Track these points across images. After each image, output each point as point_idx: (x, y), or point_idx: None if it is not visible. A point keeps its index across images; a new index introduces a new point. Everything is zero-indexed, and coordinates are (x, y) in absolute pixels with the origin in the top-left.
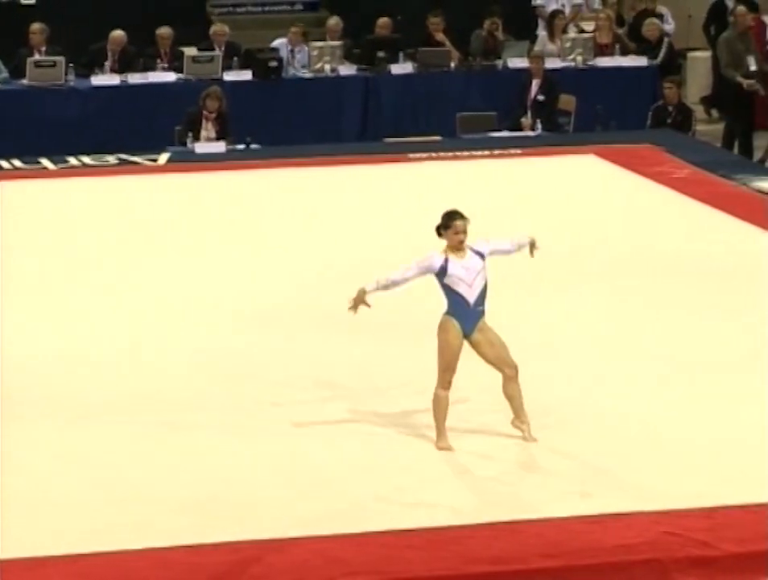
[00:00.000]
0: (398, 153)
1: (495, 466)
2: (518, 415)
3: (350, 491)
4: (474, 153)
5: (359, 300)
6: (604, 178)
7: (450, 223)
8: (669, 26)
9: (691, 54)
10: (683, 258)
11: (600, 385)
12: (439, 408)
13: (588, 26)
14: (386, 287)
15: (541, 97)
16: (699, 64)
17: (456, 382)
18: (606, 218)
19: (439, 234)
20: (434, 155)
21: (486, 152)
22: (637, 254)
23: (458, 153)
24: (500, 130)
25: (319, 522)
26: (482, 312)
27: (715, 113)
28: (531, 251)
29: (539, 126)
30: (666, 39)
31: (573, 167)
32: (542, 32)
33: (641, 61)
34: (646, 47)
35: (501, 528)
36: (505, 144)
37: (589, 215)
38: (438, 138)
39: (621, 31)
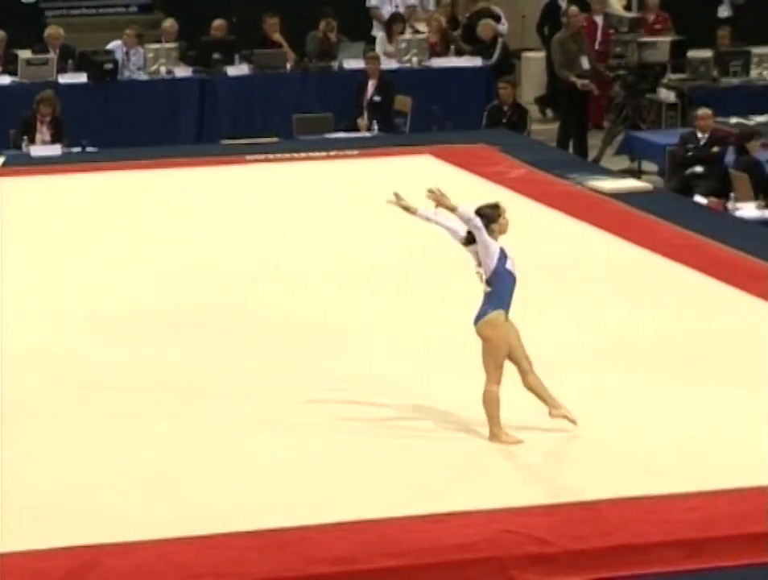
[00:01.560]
0: (235, 155)
1: (341, 467)
2: (552, 404)
3: (196, 495)
4: (311, 154)
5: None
6: (441, 178)
7: (499, 211)
8: (503, 27)
9: (525, 54)
10: (519, 258)
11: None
12: (494, 404)
13: (423, 27)
14: (440, 217)
15: (377, 98)
16: (534, 64)
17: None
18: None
19: (489, 226)
20: (271, 156)
21: (323, 153)
22: None
23: (295, 154)
24: (337, 132)
25: (162, 525)
26: None
27: (549, 112)
28: None
29: (376, 126)
30: (500, 40)
31: (410, 168)
32: (380, 33)
33: (475, 62)
34: (480, 47)
35: (345, 529)
36: (341, 145)
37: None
38: (275, 139)
39: (455, 33)
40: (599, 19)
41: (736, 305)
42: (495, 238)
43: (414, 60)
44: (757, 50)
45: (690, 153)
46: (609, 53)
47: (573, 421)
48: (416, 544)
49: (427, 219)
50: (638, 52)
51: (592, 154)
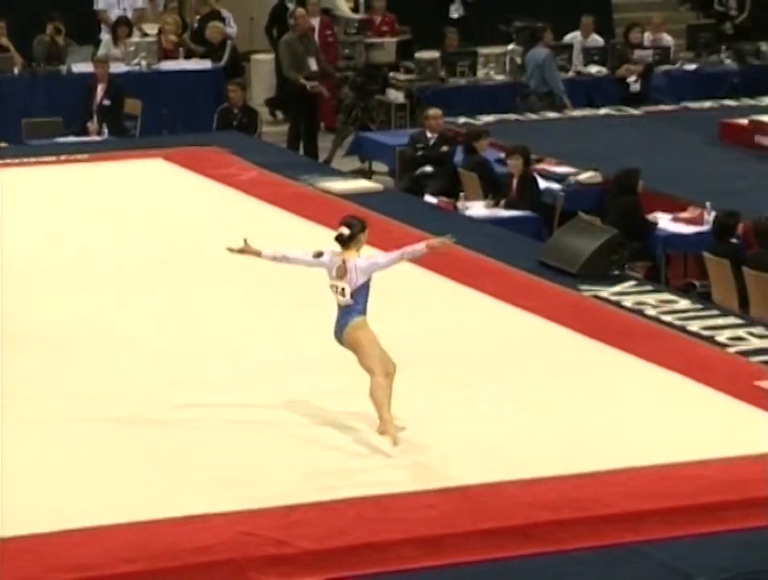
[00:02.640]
0: None
1: (79, 473)
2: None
3: None
4: (41, 159)
5: (247, 250)
6: (173, 181)
7: (365, 227)
8: (232, 29)
9: (254, 56)
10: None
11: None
12: (381, 392)
13: (152, 29)
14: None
15: (107, 102)
16: (263, 66)
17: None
18: (179, 223)
19: (353, 238)
20: (0, 162)
21: (53, 158)
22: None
23: (24, 160)
24: (66, 136)
25: None
26: None
27: (280, 114)
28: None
29: (106, 130)
30: (229, 42)
31: (142, 172)
32: (105, 36)
33: (205, 64)
34: (209, 50)
35: (84, 535)
36: (72, 150)
37: (163, 220)
38: (4, 144)
39: (185, 35)
40: (315, 22)
41: (469, 304)
42: (359, 248)
43: (144, 63)
44: (483, 50)
45: (419, 153)
46: (334, 54)
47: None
48: (156, 549)
49: (274, 259)
50: (366, 53)
51: (322, 155)
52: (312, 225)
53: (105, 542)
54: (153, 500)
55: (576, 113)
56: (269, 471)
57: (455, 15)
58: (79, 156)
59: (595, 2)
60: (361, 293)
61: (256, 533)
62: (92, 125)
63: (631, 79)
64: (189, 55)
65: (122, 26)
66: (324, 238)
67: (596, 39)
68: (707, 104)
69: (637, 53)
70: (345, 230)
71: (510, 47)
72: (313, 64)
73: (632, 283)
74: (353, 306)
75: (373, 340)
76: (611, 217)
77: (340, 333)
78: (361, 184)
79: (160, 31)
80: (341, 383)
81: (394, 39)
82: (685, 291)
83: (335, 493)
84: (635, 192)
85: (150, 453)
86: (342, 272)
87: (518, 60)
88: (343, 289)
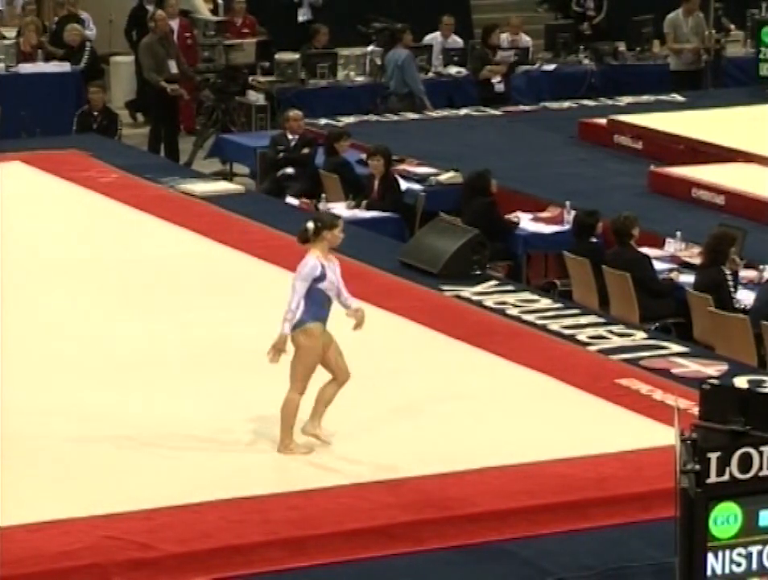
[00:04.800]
0: None
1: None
2: (313, 422)
3: None
4: None
5: (280, 347)
6: (33, 186)
7: (336, 222)
8: (91, 32)
9: (113, 59)
10: (113, 263)
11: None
12: (292, 412)
13: (10, 32)
14: (293, 317)
15: None
16: (123, 69)
17: None
18: (42, 227)
19: (318, 234)
20: None
21: None
22: (94, 260)
23: None
24: None
25: None
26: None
27: (140, 117)
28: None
29: None
30: (88, 44)
31: (0, 175)
32: None
33: (64, 67)
34: (68, 52)
35: None
36: None
37: (25, 225)
38: None
39: (43, 38)
40: (174, 24)
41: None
42: (324, 247)
43: (2, 65)
44: (343, 51)
45: (280, 155)
46: (193, 57)
47: (326, 441)
48: (17, 554)
49: (293, 317)
50: (226, 55)
51: (183, 157)
52: (174, 228)
53: None
54: (12, 505)
55: (436, 113)
56: (130, 475)
57: (303, 18)
58: None
59: (453, 3)
60: (310, 296)
61: (119, 537)
62: None
63: (496, 80)
64: (48, 58)
65: None
66: (185, 239)
67: (456, 40)
68: (566, 104)
69: (500, 54)
70: (310, 225)
71: (370, 48)
72: (173, 67)
73: (493, 282)
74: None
75: (313, 356)
76: (467, 218)
77: (292, 330)
78: (223, 185)
79: (19, 34)
80: (204, 386)
81: (254, 41)
82: (546, 290)
83: (198, 496)
84: (489, 193)
85: (8, 458)
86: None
87: (378, 61)
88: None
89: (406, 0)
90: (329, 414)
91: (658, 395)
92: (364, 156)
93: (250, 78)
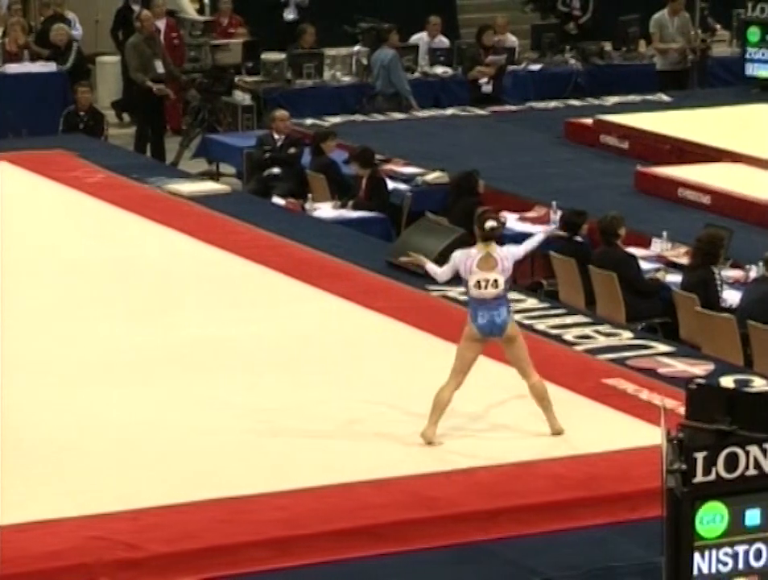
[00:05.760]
0: None
1: None
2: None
3: None
4: None
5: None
6: (20, 186)
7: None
8: (77, 32)
9: (100, 59)
10: (100, 263)
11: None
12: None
13: None
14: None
15: None
16: (109, 69)
17: None
18: (28, 227)
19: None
20: None
21: None
22: (80, 260)
23: None
24: None
25: None
26: None
27: (126, 117)
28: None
29: None
30: (74, 44)
31: None
32: None
33: (50, 67)
34: (55, 52)
35: None
36: None
37: (12, 225)
38: None
39: (29, 38)
40: (161, 24)
41: (318, 305)
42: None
43: None
44: (330, 51)
45: (267, 155)
46: (180, 56)
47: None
48: (5, 555)
49: (435, 274)
50: (212, 55)
51: (170, 157)
52: (161, 228)
53: None
54: None
55: (423, 113)
56: (116, 475)
57: (289, 18)
58: None
59: (440, 3)
60: (507, 282)
61: (106, 537)
62: None
63: (483, 80)
64: (34, 58)
65: None
66: (172, 239)
67: (443, 40)
68: (552, 104)
69: (490, 57)
70: (495, 223)
71: (356, 48)
72: (160, 67)
73: None
74: (504, 296)
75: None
76: (454, 218)
77: (503, 327)
78: (209, 186)
79: (5, 34)
80: (189, 386)
81: (240, 41)
82: (532, 290)
83: (184, 496)
84: (476, 193)
85: None
86: (492, 264)
87: (365, 61)
88: (495, 280)
89: (392, 0)
90: (316, 413)
91: (645, 394)
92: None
93: (236, 78)
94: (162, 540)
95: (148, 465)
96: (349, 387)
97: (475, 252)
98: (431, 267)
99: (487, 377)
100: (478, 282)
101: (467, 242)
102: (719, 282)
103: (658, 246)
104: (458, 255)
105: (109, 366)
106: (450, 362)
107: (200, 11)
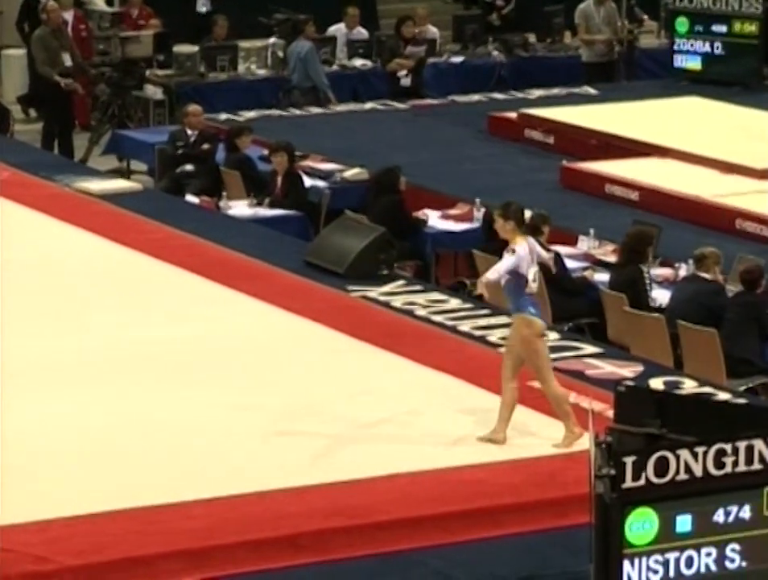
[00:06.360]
0: None
1: None
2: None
3: None
4: None
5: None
6: None
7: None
8: None
9: (5, 52)
10: (15, 265)
11: None
12: (564, 399)
13: None
14: None
15: None
16: (15, 62)
17: None
18: None
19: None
20: None
21: None
22: None
23: None
24: None
25: None
26: None
27: (33, 112)
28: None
29: None
30: None
31: None
32: None
33: None
34: None
35: None
36: None
37: None
38: None
39: None
40: (68, 15)
41: (234, 307)
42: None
43: None
44: (244, 44)
45: (180, 151)
46: (88, 49)
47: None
48: None
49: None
50: (122, 48)
51: (78, 154)
52: (70, 227)
53: None
54: None
55: (341, 108)
56: (24, 485)
57: (202, 10)
58: None
59: None
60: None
61: (14, 549)
62: None
63: (402, 73)
64: None
65: None
66: (82, 239)
67: (361, 32)
68: (475, 97)
69: (409, 48)
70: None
71: (272, 40)
72: (67, 60)
73: (401, 282)
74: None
75: (541, 343)
76: (374, 216)
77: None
78: (120, 183)
79: None
80: (100, 392)
81: (151, 33)
82: (455, 290)
83: (95, 506)
84: (398, 191)
85: None
86: (537, 258)
87: (280, 54)
88: (535, 272)
89: None
90: (228, 419)
91: (572, 397)
92: (266, 152)
93: (147, 72)
94: (72, 551)
95: (57, 475)
96: (265, 390)
97: (533, 243)
98: (493, 276)
99: (412, 381)
100: (534, 275)
101: (387, 240)
102: (648, 281)
103: (584, 243)
104: (521, 249)
105: (16, 371)
106: (371, 363)
107: (109, 2)
